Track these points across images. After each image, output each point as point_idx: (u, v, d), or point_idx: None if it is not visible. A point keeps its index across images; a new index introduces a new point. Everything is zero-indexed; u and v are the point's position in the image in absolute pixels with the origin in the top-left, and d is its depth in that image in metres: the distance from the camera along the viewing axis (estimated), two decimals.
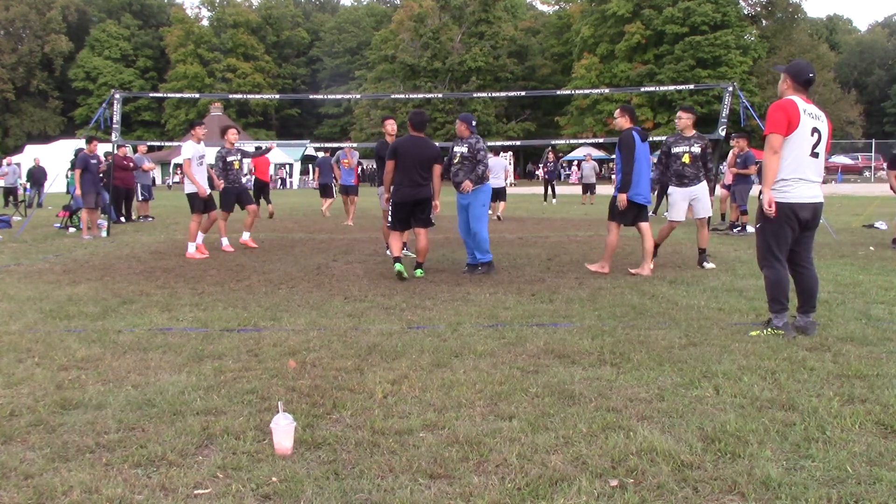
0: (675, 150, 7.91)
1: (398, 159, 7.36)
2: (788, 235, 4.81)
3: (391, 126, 9.22)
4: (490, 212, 16.56)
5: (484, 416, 3.31)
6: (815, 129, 4.71)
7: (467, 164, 7.56)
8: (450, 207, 21.65)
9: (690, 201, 7.99)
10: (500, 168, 16.96)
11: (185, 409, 3.40)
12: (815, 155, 4.74)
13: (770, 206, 4.70)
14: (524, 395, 3.59)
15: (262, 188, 17.41)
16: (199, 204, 9.41)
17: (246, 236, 10.50)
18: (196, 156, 9.40)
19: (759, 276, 5.44)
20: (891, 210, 12.46)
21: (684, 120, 7.95)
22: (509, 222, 15.28)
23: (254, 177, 17.36)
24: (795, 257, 4.93)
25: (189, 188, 9.46)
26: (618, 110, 7.73)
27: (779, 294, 4.83)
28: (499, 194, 16.91)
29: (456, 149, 7.62)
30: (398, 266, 7.31)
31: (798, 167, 4.69)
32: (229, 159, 9.96)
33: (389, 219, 7.66)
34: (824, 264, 8.03)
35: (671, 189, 8.10)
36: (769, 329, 4.80)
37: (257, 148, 12.71)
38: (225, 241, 10.11)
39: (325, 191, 17.65)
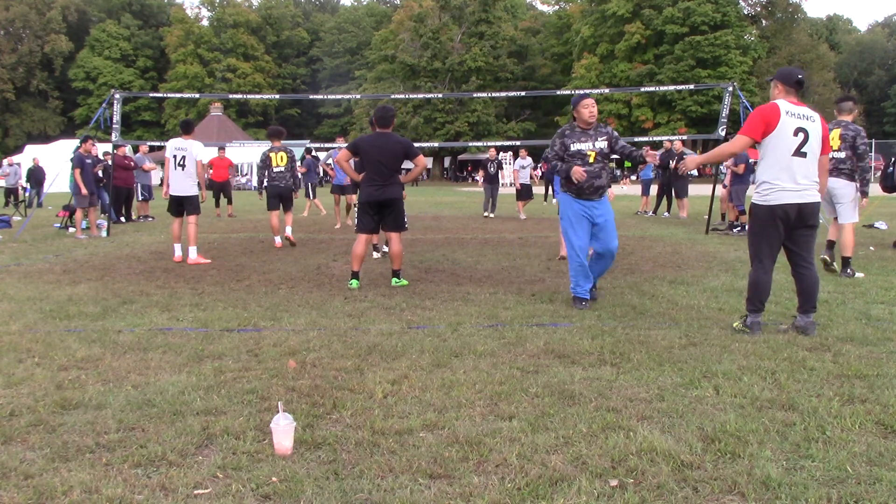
0: None
1: (361, 156, 6.92)
2: (773, 237, 4.84)
3: None
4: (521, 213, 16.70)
5: (484, 416, 3.31)
6: (799, 129, 4.70)
7: (606, 163, 5.97)
8: (450, 208, 21.58)
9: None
10: (528, 167, 17.19)
11: (185, 409, 3.39)
12: (801, 154, 4.72)
13: (685, 166, 5.36)
14: (524, 395, 3.59)
15: (221, 188, 17.79)
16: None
17: (288, 230, 10.73)
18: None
19: None
20: (890, 210, 12.47)
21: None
22: (509, 222, 15.28)
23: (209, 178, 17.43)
24: (794, 257, 4.94)
25: (196, 190, 9.09)
26: None
27: (753, 295, 4.90)
28: (526, 193, 16.96)
29: (580, 145, 5.85)
30: (353, 282, 6.86)
31: (779, 169, 4.71)
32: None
33: (356, 221, 7.14)
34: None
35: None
36: (741, 324, 4.92)
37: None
38: (289, 230, 10.68)
39: (313, 191, 18.00)
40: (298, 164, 12.57)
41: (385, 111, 6.98)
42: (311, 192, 17.84)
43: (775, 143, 4.70)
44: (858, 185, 7.43)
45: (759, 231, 4.88)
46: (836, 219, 7.61)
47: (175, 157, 8.96)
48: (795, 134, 4.69)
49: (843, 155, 7.45)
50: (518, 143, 37.33)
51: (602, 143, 5.86)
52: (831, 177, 7.39)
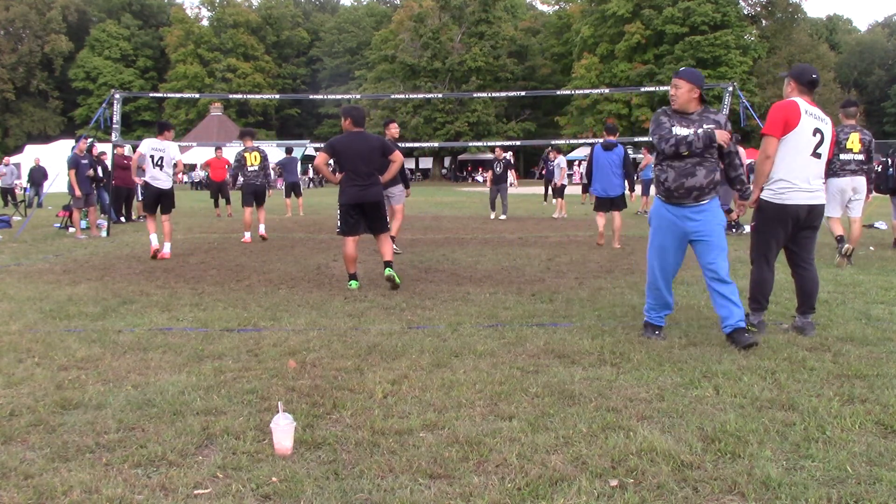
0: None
1: (337, 158, 6.76)
2: (780, 236, 4.81)
3: (395, 129, 9.54)
4: (558, 214, 16.65)
5: (484, 416, 3.31)
6: (817, 130, 4.68)
7: (707, 157, 4.51)
8: (450, 208, 21.56)
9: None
10: (556, 166, 17.02)
11: (185, 409, 3.39)
12: (817, 155, 4.71)
13: (754, 205, 4.88)
14: (524, 395, 3.59)
15: (219, 188, 18.09)
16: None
17: (262, 228, 11.70)
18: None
19: None
20: (888, 210, 12.45)
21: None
22: (509, 222, 15.27)
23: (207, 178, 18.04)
24: (795, 258, 4.93)
25: (171, 184, 9.39)
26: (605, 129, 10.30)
27: (757, 293, 4.89)
28: (560, 192, 16.86)
29: (679, 131, 4.48)
30: (353, 283, 6.82)
31: (797, 168, 4.67)
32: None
33: (338, 224, 6.99)
34: (824, 264, 8.02)
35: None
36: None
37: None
38: (262, 228, 11.66)
39: (293, 189, 18.55)
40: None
41: (360, 110, 6.91)
42: (287, 191, 18.54)
43: (796, 141, 4.64)
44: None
45: (767, 229, 4.82)
46: (833, 217, 8.23)
47: (153, 157, 9.17)
48: (814, 134, 4.66)
49: (863, 157, 8.16)
50: (518, 143, 37.37)
51: (708, 128, 4.48)
52: (856, 176, 8.18)
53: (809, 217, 4.77)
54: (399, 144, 9.20)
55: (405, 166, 9.43)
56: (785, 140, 4.65)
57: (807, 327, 4.81)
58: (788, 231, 4.80)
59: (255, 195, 11.61)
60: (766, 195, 4.81)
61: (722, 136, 4.45)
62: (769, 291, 4.90)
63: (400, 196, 9.44)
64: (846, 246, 8.05)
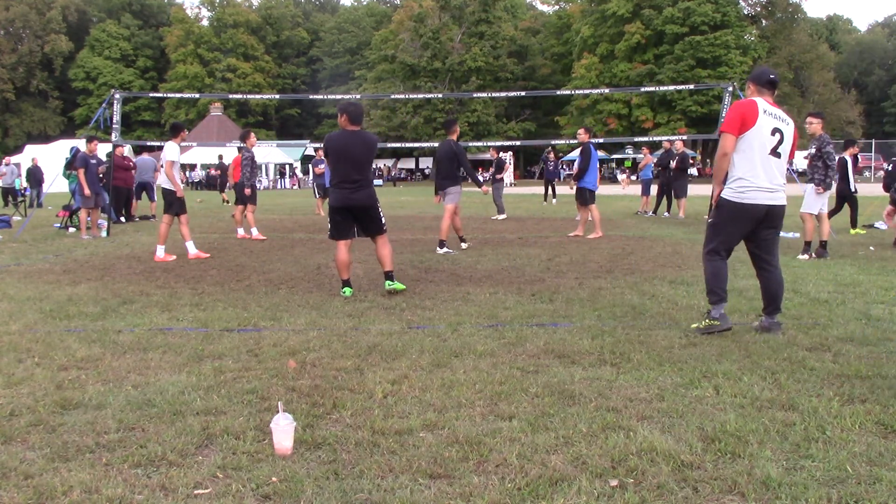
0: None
1: (329, 157, 6.41)
2: (736, 234, 4.85)
3: (457, 130, 10.05)
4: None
5: (484, 416, 3.31)
6: (776, 130, 4.70)
7: None
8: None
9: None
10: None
11: (185, 409, 3.39)
12: (776, 154, 4.72)
13: (715, 202, 4.93)
14: (524, 395, 3.59)
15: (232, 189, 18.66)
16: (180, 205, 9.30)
17: (254, 231, 12.12)
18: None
19: None
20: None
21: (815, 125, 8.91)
22: (509, 222, 15.27)
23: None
24: (758, 260, 4.94)
25: (168, 185, 9.22)
26: (581, 130, 11.82)
27: (715, 285, 4.86)
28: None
29: None
30: (346, 290, 6.43)
31: (756, 166, 4.68)
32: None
33: (329, 228, 6.58)
34: (824, 264, 8.03)
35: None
36: (706, 320, 4.82)
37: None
38: (254, 231, 12.09)
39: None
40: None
41: (357, 107, 6.52)
42: (316, 192, 18.84)
43: (751, 140, 4.67)
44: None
45: (726, 226, 4.84)
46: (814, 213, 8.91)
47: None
48: (773, 133, 4.69)
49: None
50: (518, 143, 37.35)
51: None
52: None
53: (769, 217, 4.77)
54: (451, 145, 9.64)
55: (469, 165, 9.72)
56: (742, 138, 4.69)
57: (772, 327, 4.82)
58: (745, 230, 4.82)
59: (236, 193, 12.48)
60: (726, 193, 4.83)
61: None
62: (725, 282, 4.88)
63: (454, 195, 9.58)
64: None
